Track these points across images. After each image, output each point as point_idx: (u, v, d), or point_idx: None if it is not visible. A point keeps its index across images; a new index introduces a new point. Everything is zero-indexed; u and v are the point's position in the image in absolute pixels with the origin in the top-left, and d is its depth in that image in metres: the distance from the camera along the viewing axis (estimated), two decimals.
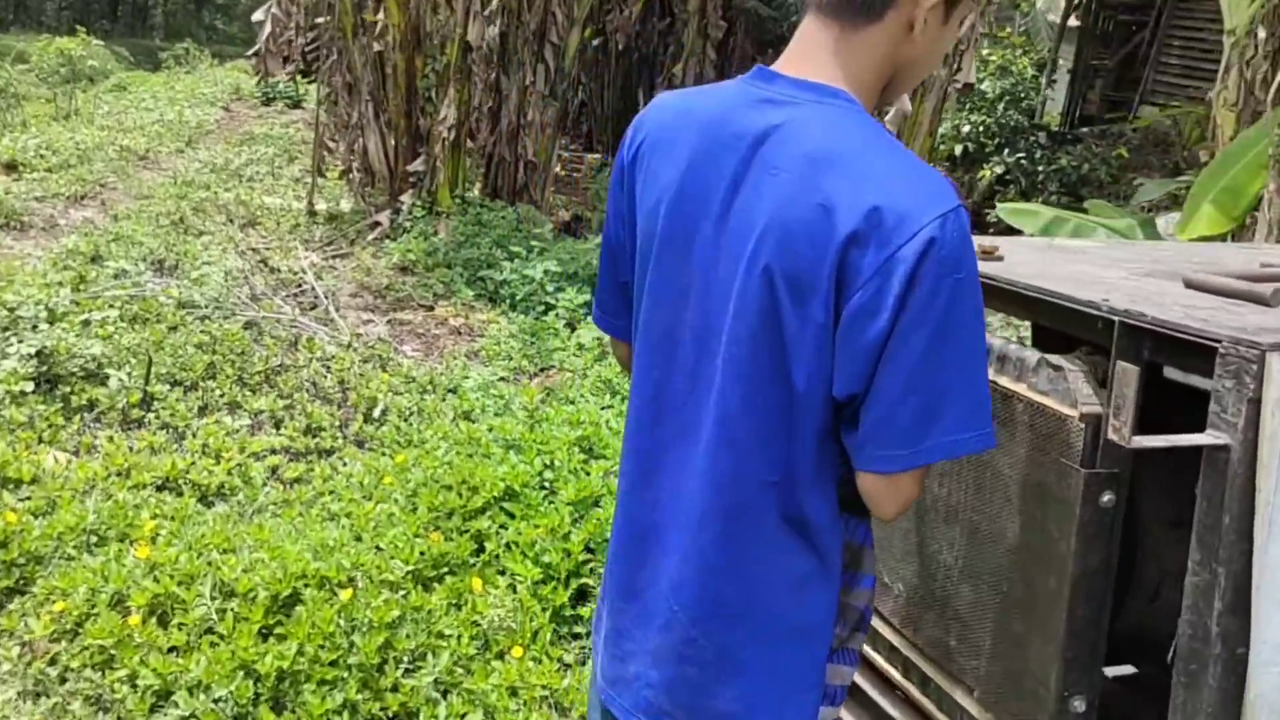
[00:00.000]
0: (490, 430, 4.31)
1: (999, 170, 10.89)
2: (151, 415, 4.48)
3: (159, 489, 3.77)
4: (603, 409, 5.27)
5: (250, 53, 18.00)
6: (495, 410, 4.92)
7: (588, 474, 3.67)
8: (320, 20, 9.47)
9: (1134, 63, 13.56)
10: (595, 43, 12.92)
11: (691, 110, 1.50)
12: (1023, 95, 11.76)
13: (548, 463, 3.78)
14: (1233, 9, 5.44)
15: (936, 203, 1.26)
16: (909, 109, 8.46)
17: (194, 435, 4.27)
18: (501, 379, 5.58)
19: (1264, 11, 5.43)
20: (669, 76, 12.91)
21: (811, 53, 1.43)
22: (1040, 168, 10.65)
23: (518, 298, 7.03)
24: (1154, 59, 12.59)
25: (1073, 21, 14.90)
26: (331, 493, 3.93)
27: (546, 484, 3.67)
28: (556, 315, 6.69)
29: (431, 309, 6.87)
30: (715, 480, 1.42)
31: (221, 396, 4.84)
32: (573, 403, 5.33)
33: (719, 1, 12.13)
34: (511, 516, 3.49)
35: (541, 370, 6.00)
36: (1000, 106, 11.53)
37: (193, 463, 3.92)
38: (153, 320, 5.60)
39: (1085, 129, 13.11)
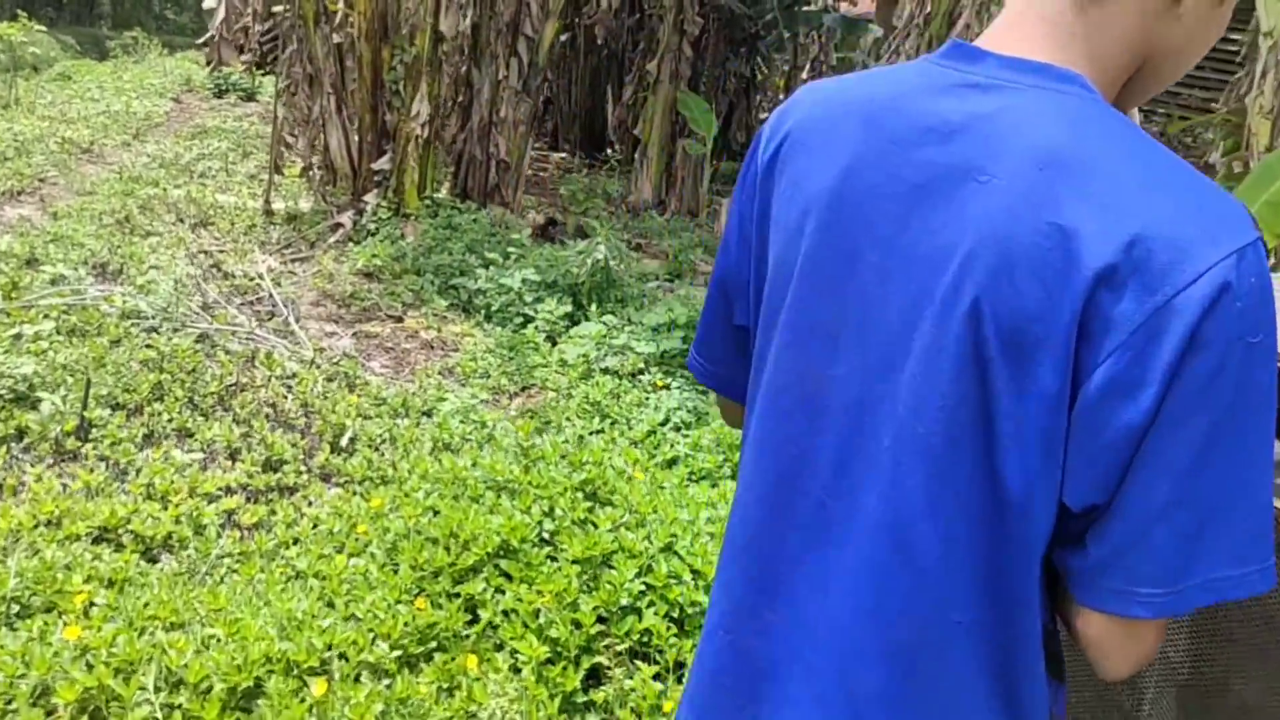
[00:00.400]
0: (475, 465, 3.83)
1: None
2: (89, 446, 3.94)
3: (95, 540, 3.24)
4: (592, 433, 4.82)
5: (201, 41, 17.30)
6: (478, 440, 4.43)
7: (594, 525, 3.20)
8: (279, 8, 8.91)
9: None
10: (563, 38, 12.45)
11: (854, 98, 1.08)
12: None
13: (546, 510, 3.31)
14: (1269, 9, 5.08)
15: (1228, 231, 0.86)
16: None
17: (137, 473, 3.74)
18: (481, 401, 5.09)
19: None
20: (641, 73, 12.46)
21: (1033, 25, 1.01)
22: None
23: (493, 308, 6.53)
24: None
25: None
26: (296, 542, 3.43)
27: (546, 536, 3.20)
28: (536, 328, 6.21)
29: (400, 320, 6.36)
30: (880, 609, 1.00)
31: (170, 422, 4.31)
32: (559, 428, 4.87)
33: None
34: (508, 578, 3.02)
35: (523, 389, 5.52)
36: None
37: (135, 509, 3.39)
38: (93, 333, 5.05)
39: None
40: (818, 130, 1.08)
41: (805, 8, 14.64)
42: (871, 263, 1.00)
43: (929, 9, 8.98)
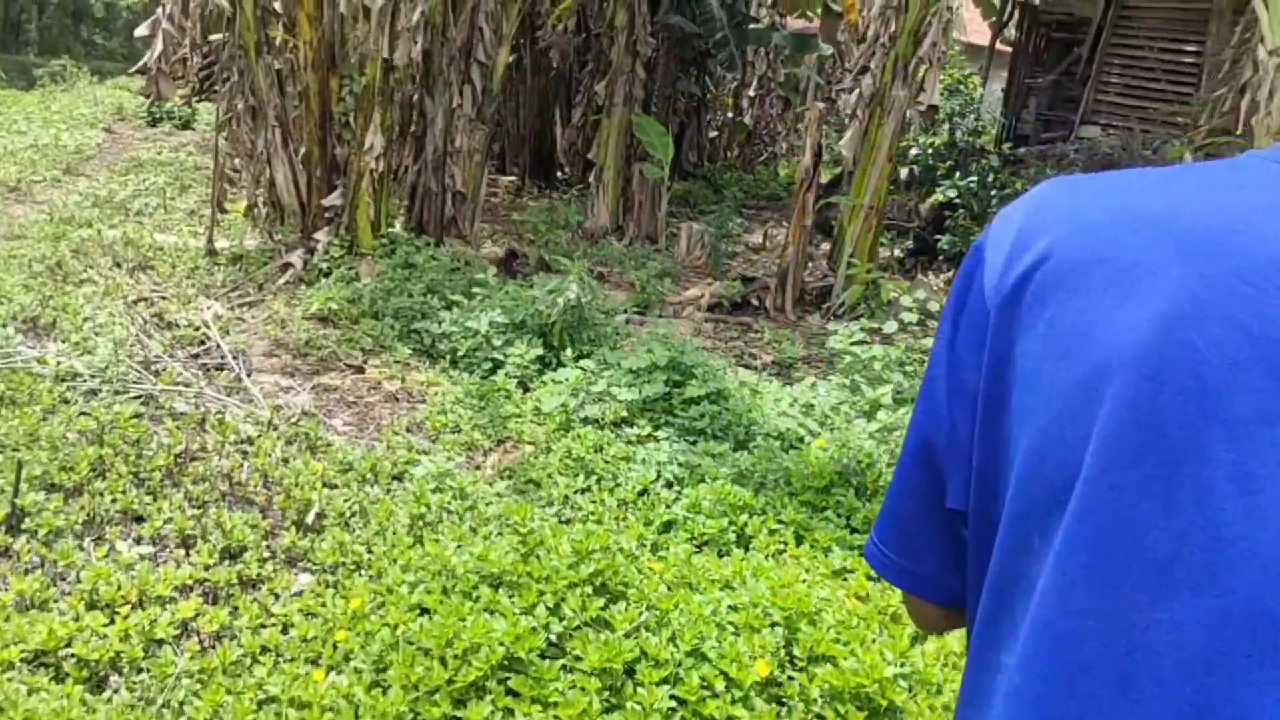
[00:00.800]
0: (460, 547, 3.44)
1: (951, 194, 10.34)
2: (22, 541, 3.49)
3: (32, 667, 2.80)
4: (577, 492, 4.46)
5: (134, 69, 16.70)
6: (458, 512, 4.04)
7: (610, 627, 2.83)
8: (216, 36, 8.44)
9: (1070, 82, 13.24)
10: (510, 59, 12.10)
11: (1153, 211, 0.75)
12: (971, 115, 11.29)
13: (551, 607, 2.93)
14: (1275, 26, 4.86)
15: None
16: None
17: (78, 575, 3.29)
18: (455, 463, 4.68)
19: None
20: (590, 95, 12.12)
21: None
22: (994, 192, 10.12)
23: (459, 353, 6.13)
24: (1095, 79, 12.24)
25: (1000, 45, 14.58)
26: (265, 651, 3.01)
27: (554, 641, 2.82)
28: (506, 374, 5.82)
29: (361, 370, 5.94)
30: None
31: (113, 503, 3.86)
32: (542, 487, 4.49)
33: (647, 17, 11.35)
34: (516, 695, 2.63)
35: (498, 444, 5.13)
36: (946, 128, 11.02)
37: (79, 625, 2.95)
38: (24, 402, 4.58)
39: (1023, 150, 12.71)
40: (1104, 255, 0.74)
41: (753, 25, 14.42)
42: (1224, 461, 0.67)
43: (894, 27, 8.74)
